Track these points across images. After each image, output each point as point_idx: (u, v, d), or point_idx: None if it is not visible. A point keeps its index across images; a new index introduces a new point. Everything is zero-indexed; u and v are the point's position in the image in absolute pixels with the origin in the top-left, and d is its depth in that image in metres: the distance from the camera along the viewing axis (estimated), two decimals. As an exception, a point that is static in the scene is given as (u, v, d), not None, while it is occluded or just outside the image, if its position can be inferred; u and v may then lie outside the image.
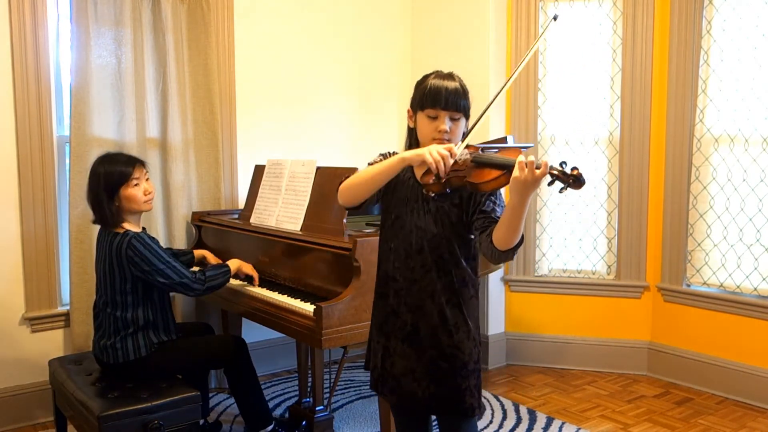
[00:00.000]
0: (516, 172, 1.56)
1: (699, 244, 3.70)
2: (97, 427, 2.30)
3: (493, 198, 1.79)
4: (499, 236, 1.67)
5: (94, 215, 2.61)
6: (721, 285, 3.62)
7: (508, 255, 1.70)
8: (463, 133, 1.87)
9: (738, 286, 3.55)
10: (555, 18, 1.83)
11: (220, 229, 3.34)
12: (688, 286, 3.76)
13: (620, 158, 3.89)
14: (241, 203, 3.73)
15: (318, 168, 3.00)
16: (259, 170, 3.40)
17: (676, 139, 3.74)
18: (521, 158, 1.57)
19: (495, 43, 3.96)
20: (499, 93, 1.85)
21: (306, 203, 2.95)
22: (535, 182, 1.55)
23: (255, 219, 3.21)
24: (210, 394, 3.36)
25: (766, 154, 3.44)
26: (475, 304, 1.89)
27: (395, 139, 4.37)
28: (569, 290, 4.03)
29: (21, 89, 3.10)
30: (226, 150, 3.71)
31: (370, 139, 4.29)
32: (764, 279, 3.46)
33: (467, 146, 1.82)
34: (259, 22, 3.83)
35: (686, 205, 3.72)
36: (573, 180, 1.51)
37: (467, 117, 1.87)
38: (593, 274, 4.03)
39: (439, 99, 1.81)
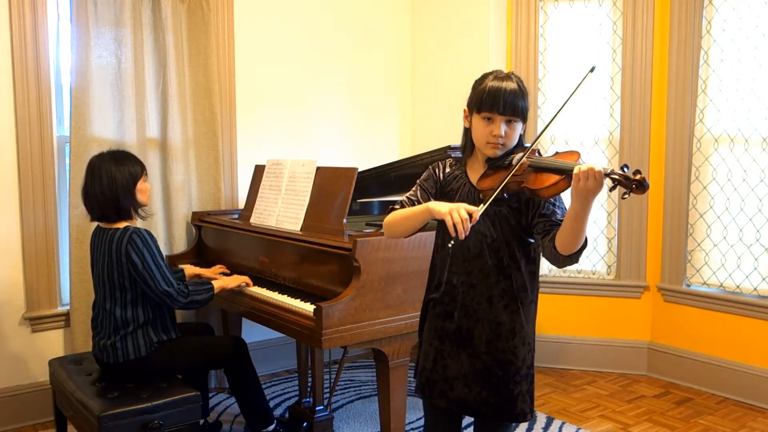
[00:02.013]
0: (577, 179, 1.54)
1: (699, 244, 3.70)
2: (97, 427, 2.30)
3: (552, 200, 1.75)
4: (562, 241, 1.65)
5: (102, 211, 2.57)
6: (721, 285, 3.62)
7: (572, 259, 1.68)
8: (519, 139, 1.83)
9: (738, 286, 3.55)
10: (592, 69, 1.74)
11: (220, 229, 3.34)
12: (688, 286, 3.76)
13: (620, 158, 3.88)
14: (241, 203, 3.74)
15: (318, 168, 3.00)
16: (259, 170, 3.40)
17: (676, 139, 3.74)
18: (581, 164, 1.54)
19: (495, 43, 3.96)
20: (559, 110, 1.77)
21: (306, 203, 2.95)
22: (597, 188, 1.53)
23: (255, 219, 3.20)
24: (210, 394, 3.37)
25: (766, 154, 3.44)
26: (534, 309, 1.86)
27: (395, 139, 4.38)
28: (569, 290, 4.03)
29: (21, 89, 3.10)
30: (226, 150, 3.72)
31: (370, 139, 4.29)
32: (764, 279, 3.46)
33: (524, 148, 1.78)
34: (259, 21, 3.83)
35: (686, 205, 3.72)
36: (636, 185, 1.48)
37: (525, 120, 1.82)
38: (593, 274, 4.02)
39: (497, 102, 1.75)
